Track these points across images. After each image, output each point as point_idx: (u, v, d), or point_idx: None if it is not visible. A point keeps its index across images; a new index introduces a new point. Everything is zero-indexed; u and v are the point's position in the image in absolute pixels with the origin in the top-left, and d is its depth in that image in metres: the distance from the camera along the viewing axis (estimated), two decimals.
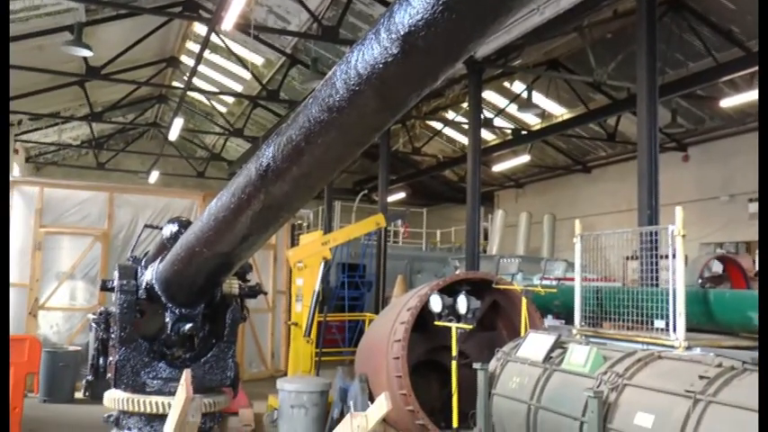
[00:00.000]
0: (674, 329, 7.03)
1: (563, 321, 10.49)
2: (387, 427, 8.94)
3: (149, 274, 4.09)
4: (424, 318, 8.18)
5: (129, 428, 3.92)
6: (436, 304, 7.29)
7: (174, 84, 25.74)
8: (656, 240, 8.04)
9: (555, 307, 10.81)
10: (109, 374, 4.06)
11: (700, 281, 10.59)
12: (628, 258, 10.28)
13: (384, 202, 20.31)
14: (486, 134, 23.75)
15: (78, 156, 33.34)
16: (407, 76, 2.07)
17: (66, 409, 11.29)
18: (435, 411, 8.51)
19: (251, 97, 23.10)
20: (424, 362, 9.02)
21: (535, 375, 6.20)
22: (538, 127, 22.78)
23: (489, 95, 21.54)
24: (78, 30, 15.65)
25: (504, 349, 7.12)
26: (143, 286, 4.06)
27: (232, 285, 4.18)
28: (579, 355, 5.88)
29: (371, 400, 8.15)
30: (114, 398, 3.92)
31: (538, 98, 20.11)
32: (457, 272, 13.82)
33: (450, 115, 23.91)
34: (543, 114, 21.87)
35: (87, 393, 4.46)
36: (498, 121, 22.74)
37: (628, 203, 17.87)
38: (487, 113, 21.23)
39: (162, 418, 3.63)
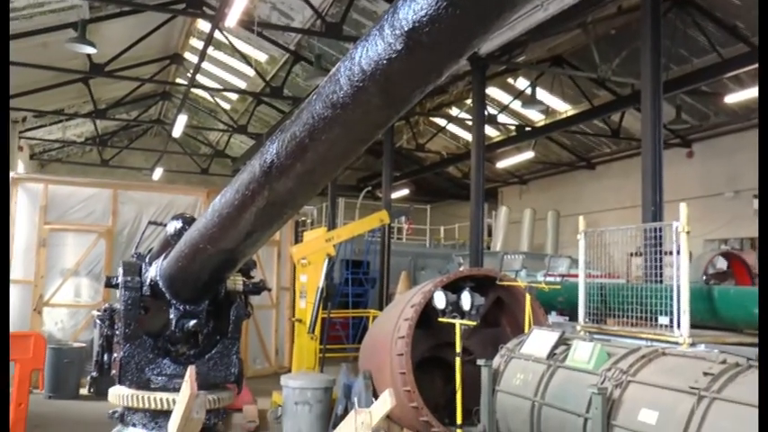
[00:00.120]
0: (679, 326, 7.03)
1: (567, 318, 10.50)
2: (391, 423, 8.95)
3: (153, 271, 4.09)
4: (427, 314, 8.18)
5: (134, 425, 3.93)
6: (440, 301, 7.28)
7: (178, 81, 25.75)
8: (661, 237, 8.04)
9: (559, 303, 10.81)
10: (113, 371, 4.06)
11: (704, 277, 10.59)
12: (632, 255, 10.28)
13: (388, 199, 20.31)
14: (489, 131, 23.68)
15: (82, 153, 33.39)
16: (411, 73, 2.06)
17: (71, 406, 11.33)
18: (439, 408, 8.51)
19: (255, 94, 23.11)
20: (428, 358, 9.02)
21: (539, 372, 6.20)
22: (542, 123, 22.74)
23: (493, 92, 21.51)
24: (82, 27, 15.67)
25: (507, 346, 7.12)
26: (147, 283, 4.05)
27: (236, 282, 4.18)
28: (583, 352, 5.88)
29: (375, 396, 8.16)
30: (119, 394, 3.92)
31: (542, 94, 20.09)
32: (461, 268, 13.84)
33: (454, 112, 23.89)
34: (547, 111, 21.85)
35: (92, 390, 4.46)
36: (502, 118, 22.72)
37: (632, 200, 17.83)
38: (491, 110, 21.21)
39: (166, 414, 3.63)
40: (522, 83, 20.47)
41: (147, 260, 4.22)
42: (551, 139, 24.71)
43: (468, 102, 20.66)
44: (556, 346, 6.33)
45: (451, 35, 1.87)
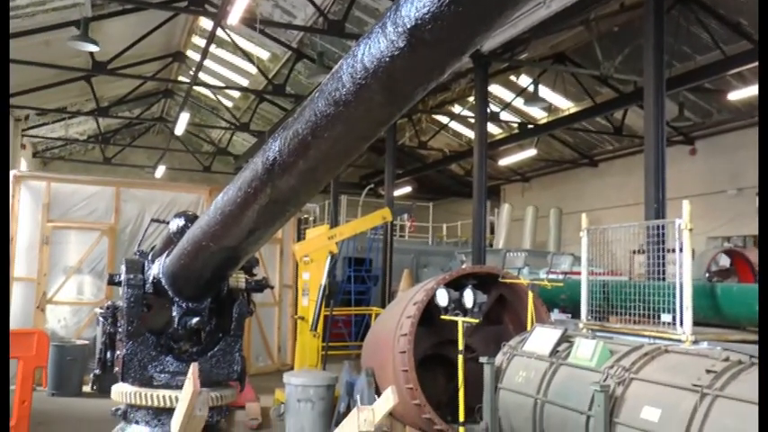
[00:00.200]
0: (681, 323, 7.03)
1: (569, 315, 10.49)
2: (393, 421, 8.96)
3: (156, 269, 4.09)
4: (430, 312, 8.17)
5: (137, 422, 3.93)
6: (442, 298, 7.28)
7: (180, 78, 25.77)
8: (663, 234, 8.03)
9: (561, 301, 10.80)
10: (116, 368, 4.06)
11: (707, 274, 10.58)
12: (634, 252, 10.27)
13: (390, 197, 20.31)
14: (492, 128, 23.68)
15: (85, 150, 33.44)
16: (414, 70, 2.06)
17: (75, 403, 11.36)
18: (442, 405, 8.51)
19: (257, 92, 23.12)
20: (431, 356, 9.02)
21: (541, 369, 6.20)
22: (544, 121, 22.72)
23: (495, 89, 21.49)
24: (84, 25, 15.67)
25: (510, 343, 7.11)
26: (150, 280, 4.06)
27: (239, 279, 4.18)
28: (586, 350, 5.87)
29: (378, 394, 8.16)
30: (122, 391, 3.93)
31: (544, 92, 20.06)
32: (463, 266, 13.82)
33: (457, 109, 23.87)
34: (550, 108, 21.82)
35: (95, 387, 4.48)
36: (505, 115, 22.70)
37: (634, 197, 17.81)
38: (494, 107, 21.20)
39: (169, 411, 3.64)
40: (524, 80, 20.45)
41: (149, 258, 4.23)
42: (554, 137, 24.68)
43: (471, 99, 20.65)
44: (558, 344, 6.33)
45: (454, 32, 1.87)
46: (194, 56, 22.74)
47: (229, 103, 26.83)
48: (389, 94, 2.16)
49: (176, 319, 3.97)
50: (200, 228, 3.49)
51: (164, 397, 3.83)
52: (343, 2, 15.78)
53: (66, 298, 13.27)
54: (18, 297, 12.83)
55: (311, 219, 26.46)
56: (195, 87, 22.59)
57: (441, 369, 9.04)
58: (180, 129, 24.60)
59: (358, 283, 21.18)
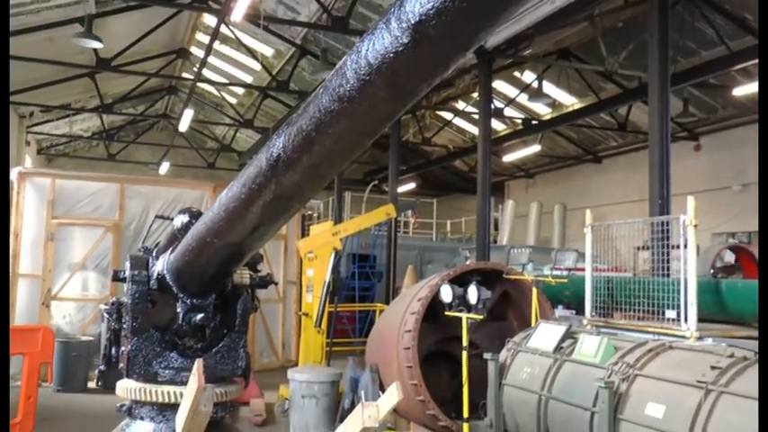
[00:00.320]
0: (686, 320, 7.02)
1: (574, 312, 10.48)
2: (397, 417, 8.97)
3: (160, 265, 4.09)
4: (434, 308, 8.18)
5: (142, 418, 3.93)
6: (447, 294, 7.28)
7: (184, 75, 25.79)
8: (668, 230, 8.01)
9: (565, 297, 10.79)
10: (121, 364, 4.07)
11: (712, 271, 10.55)
12: (639, 248, 10.25)
13: (394, 193, 20.31)
14: (496, 124, 23.67)
15: (89, 147, 33.50)
16: (418, 66, 2.06)
17: (80, 399, 11.40)
18: (446, 401, 8.53)
19: (261, 88, 23.11)
20: (435, 352, 9.03)
21: (546, 366, 6.20)
22: (548, 117, 22.68)
23: (499, 85, 21.46)
24: (89, 22, 15.68)
25: (514, 339, 7.12)
26: (154, 277, 4.05)
27: (243, 276, 4.18)
28: (590, 346, 5.87)
29: (382, 390, 8.18)
30: (126, 387, 3.93)
31: (548, 88, 20.01)
32: (467, 262, 13.82)
33: (461, 105, 23.84)
34: (554, 104, 21.77)
35: (100, 383, 4.47)
36: (509, 111, 22.67)
37: (639, 193, 17.79)
38: (498, 103, 21.15)
39: (174, 407, 3.64)
40: (528, 76, 20.41)
41: (154, 254, 4.22)
42: (558, 133, 24.64)
43: (475, 95, 20.63)
44: (562, 340, 6.33)
45: (458, 28, 1.87)
46: (198, 52, 22.73)
47: (233, 100, 26.84)
48: (393, 90, 2.16)
49: (181, 316, 3.97)
50: (204, 224, 3.50)
51: (168, 393, 3.83)
52: None
53: (70, 294, 13.30)
54: (23, 293, 12.87)
55: (315, 215, 26.48)
56: (199, 84, 22.60)
57: (445, 365, 9.05)
58: (184, 125, 24.61)
59: (362, 280, 21.20)
